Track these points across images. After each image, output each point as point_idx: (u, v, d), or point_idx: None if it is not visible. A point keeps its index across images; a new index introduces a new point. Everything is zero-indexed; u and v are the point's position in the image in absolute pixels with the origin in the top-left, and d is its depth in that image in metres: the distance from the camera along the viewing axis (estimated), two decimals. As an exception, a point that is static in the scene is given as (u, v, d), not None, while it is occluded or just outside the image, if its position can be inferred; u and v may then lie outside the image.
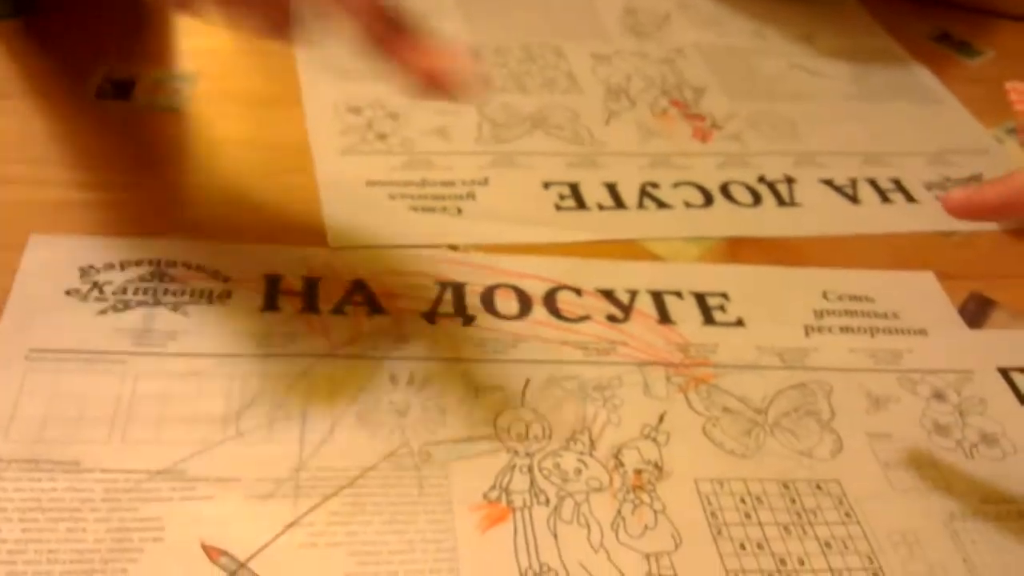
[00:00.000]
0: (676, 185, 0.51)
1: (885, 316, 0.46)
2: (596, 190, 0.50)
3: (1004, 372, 0.44)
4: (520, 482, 0.36)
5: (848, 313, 0.46)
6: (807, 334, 0.44)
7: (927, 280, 0.48)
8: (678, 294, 0.45)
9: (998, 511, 0.38)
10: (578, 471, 0.37)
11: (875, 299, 0.46)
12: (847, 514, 0.37)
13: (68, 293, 0.40)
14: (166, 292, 0.41)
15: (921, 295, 0.47)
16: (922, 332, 0.45)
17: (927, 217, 0.52)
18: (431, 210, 0.48)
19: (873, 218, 0.52)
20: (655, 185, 0.51)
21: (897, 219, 0.52)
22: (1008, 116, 0.52)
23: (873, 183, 0.54)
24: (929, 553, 0.36)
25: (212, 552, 0.32)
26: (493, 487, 0.36)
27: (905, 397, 0.42)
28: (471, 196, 0.49)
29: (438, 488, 0.35)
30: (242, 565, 0.31)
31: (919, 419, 0.41)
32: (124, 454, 0.34)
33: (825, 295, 0.46)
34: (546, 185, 0.50)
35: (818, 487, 0.38)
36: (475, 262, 0.45)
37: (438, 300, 0.43)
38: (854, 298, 0.46)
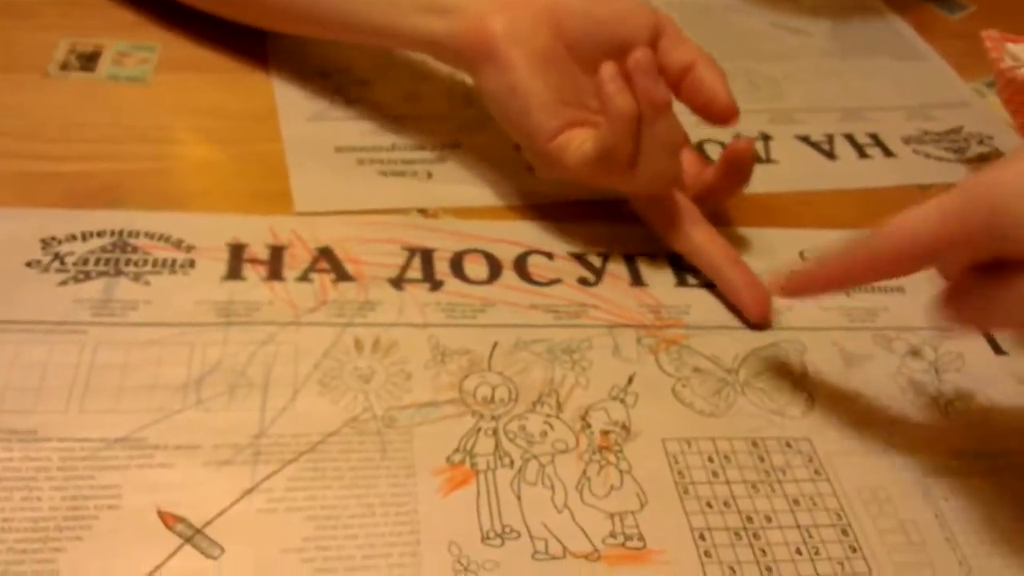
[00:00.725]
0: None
1: (862, 274, 0.45)
2: (569, 152, 0.49)
3: (980, 323, 0.43)
4: (484, 445, 0.36)
5: (824, 272, 0.45)
6: (782, 293, 0.44)
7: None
8: (651, 256, 0.45)
9: (971, 467, 0.37)
10: (544, 433, 0.36)
11: (852, 257, 0.46)
12: (816, 472, 0.37)
13: (29, 265, 0.39)
14: (128, 262, 0.40)
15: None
16: (899, 289, 0.45)
17: (904, 171, 0.51)
18: (401, 174, 0.47)
19: (850, 173, 0.51)
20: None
21: (874, 173, 0.51)
22: (989, 70, 0.51)
23: (850, 138, 0.53)
24: (900, 510, 0.36)
25: (168, 519, 0.31)
26: (457, 450, 0.35)
27: (880, 355, 0.41)
28: (442, 160, 0.48)
29: (401, 452, 0.35)
30: (198, 531, 0.31)
31: (893, 376, 0.41)
32: (82, 423, 0.34)
33: (801, 255, 0.46)
34: (518, 148, 0.49)
35: (788, 445, 0.37)
36: (445, 228, 0.45)
37: (406, 266, 0.42)
38: (831, 257, 0.46)
